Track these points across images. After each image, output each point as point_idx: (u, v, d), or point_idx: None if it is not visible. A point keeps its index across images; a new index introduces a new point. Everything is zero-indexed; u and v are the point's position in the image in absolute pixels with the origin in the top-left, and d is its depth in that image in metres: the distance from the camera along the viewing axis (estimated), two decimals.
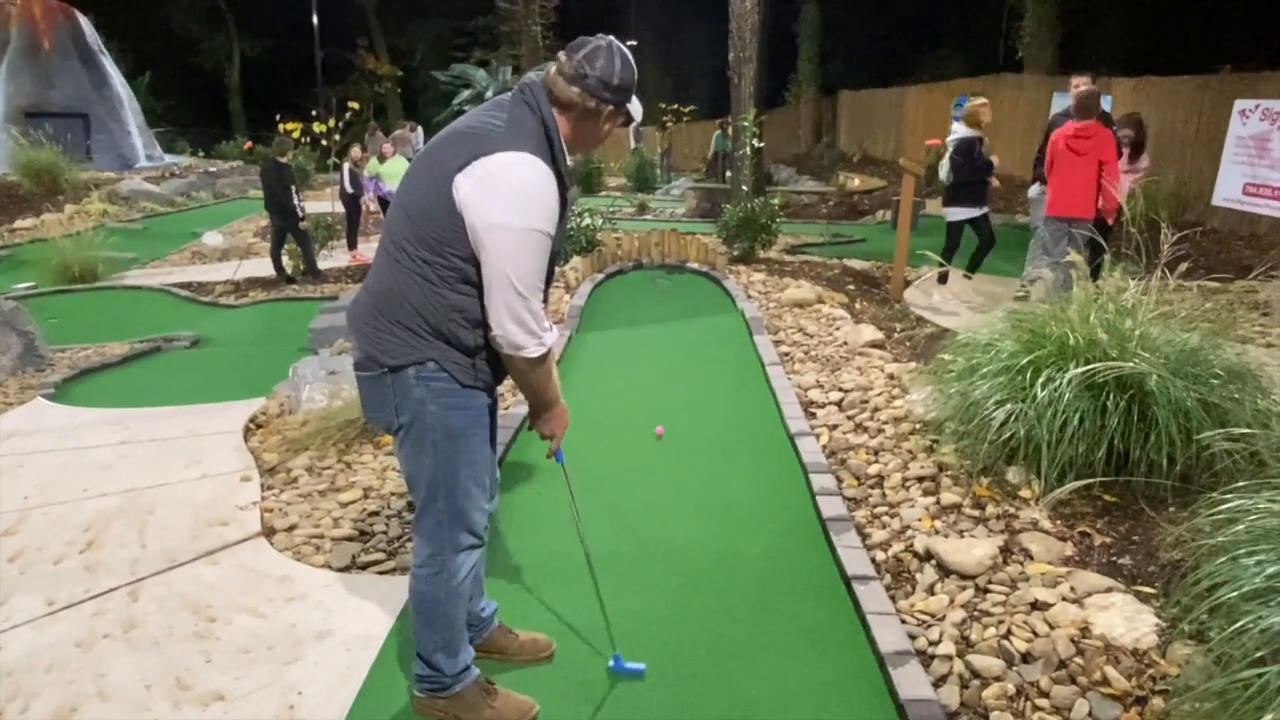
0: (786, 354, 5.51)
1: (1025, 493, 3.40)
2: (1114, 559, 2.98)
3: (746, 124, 11.40)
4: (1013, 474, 3.47)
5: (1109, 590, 2.73)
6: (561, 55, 2.06)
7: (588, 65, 2.01)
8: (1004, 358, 3.59)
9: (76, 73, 20.79)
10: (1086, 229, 5.84)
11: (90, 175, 17.67)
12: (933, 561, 3.05)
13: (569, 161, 2.11)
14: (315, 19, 27.90)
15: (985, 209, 7.37)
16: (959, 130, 7.28)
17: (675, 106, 24.70)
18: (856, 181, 18.19)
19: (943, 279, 7.62)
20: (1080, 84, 7.17)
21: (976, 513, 3.33)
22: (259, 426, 4.77)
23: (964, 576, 2.95)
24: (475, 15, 31.02)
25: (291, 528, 3.51)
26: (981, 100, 7.37)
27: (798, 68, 27.08)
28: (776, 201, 9.42)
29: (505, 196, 1.92)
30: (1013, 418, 3.38)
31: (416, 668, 2.30)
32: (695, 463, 4.11)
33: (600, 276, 8.01)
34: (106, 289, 9.83)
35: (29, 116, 19.27)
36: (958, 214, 7.35)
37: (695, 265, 8.32)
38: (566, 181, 2.08)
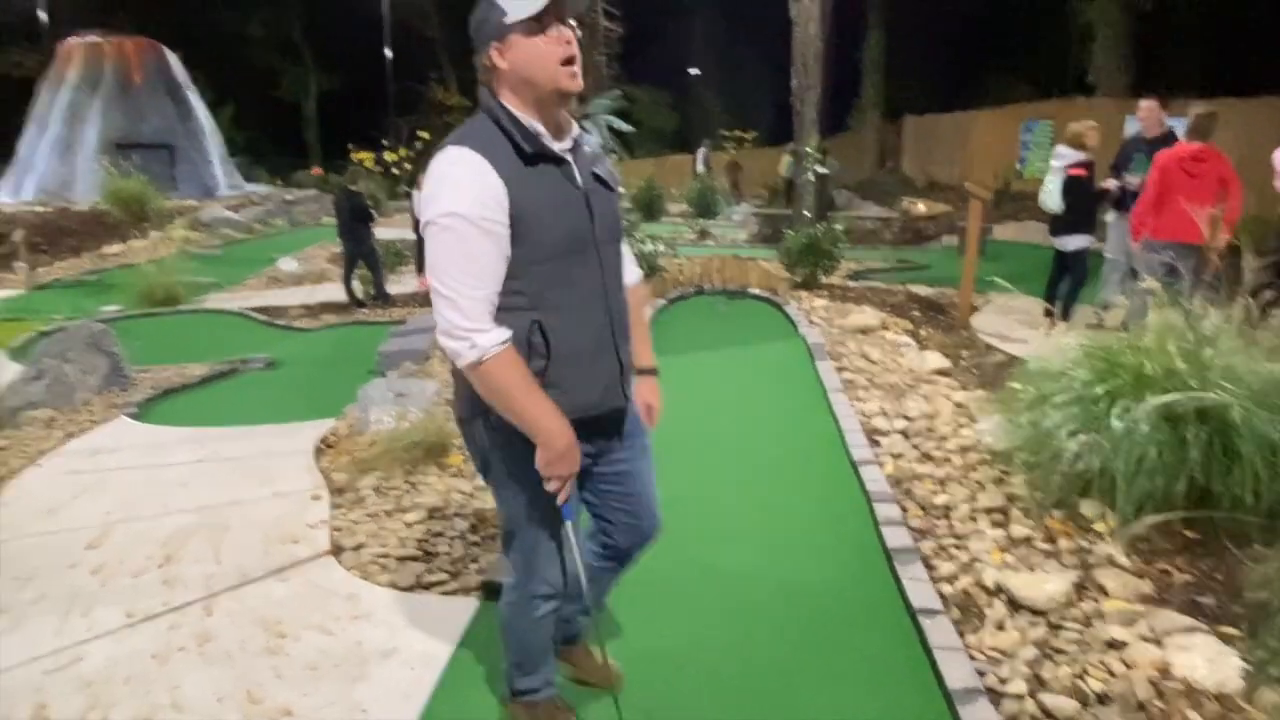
0: (849, 380, 5.43)
1: (1100, 526, 3.28)
2: (1195, 597, 2.86)
3: (810, 150, 11.36)
4: (1087, 507, 3.36)
5: (1190, 630, 2.62)
6: None
7: (472, 32, 1.86)
8: (1077, 387, 3.49)
9: (164, 106, 21.81)
10: (1195, 254, 5.56)
11: (174, 203, 18.39)
12: (1003, 596, 2.96)
13: (554, 135, 1.89)
14: (389, 53, 28.78)
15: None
16: (1066, 154, 6.80)
17: (737, 133, 24.78)
18: (921, 207, 17.96)
19: (1054, 314, 6.88)
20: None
21: (1049, 546, 3.23)
22: (329, 446, 4.87)
23: (1036, 612, 2.86)
24: None
25: (359, 546, 3.56)
26: (1090, 123, 6.93)
27: (861, 93, 26.94)
28: (840, 227, 9.35)
29: (426, 195, 1.82)
30: (1086, 449, 3.28)
31: (505, 665, 2.34)
32: (756, 489, 4.07)
33: (662, 302, 8.03)
34: (187, 312, 10.19)
35: (119, 148, 20.23)
36: (1075, 242, 6.82)
37: (757, 290, 8.29)
38: (556, 158, 1.88)
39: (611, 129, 12.15)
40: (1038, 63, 23.86)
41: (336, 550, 3.55)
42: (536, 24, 1.76)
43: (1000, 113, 19.97)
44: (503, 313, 1.84)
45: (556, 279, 1.87)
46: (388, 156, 21.97)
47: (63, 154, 20.67)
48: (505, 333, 1.82)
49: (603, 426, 2.08)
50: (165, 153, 21.37)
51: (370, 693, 2.58)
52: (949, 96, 24.34)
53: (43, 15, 29.79)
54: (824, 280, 9.01)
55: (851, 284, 9.39)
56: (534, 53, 1.78)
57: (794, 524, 3.70)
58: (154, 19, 28.40)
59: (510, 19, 1.77)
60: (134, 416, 5.75)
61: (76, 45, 21.93)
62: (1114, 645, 2.63)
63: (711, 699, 2.54)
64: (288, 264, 13.72)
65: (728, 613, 3.02)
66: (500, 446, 1.98)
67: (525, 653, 2.25)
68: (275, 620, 3.02)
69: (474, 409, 1.97)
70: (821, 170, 11.58)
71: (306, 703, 2.55)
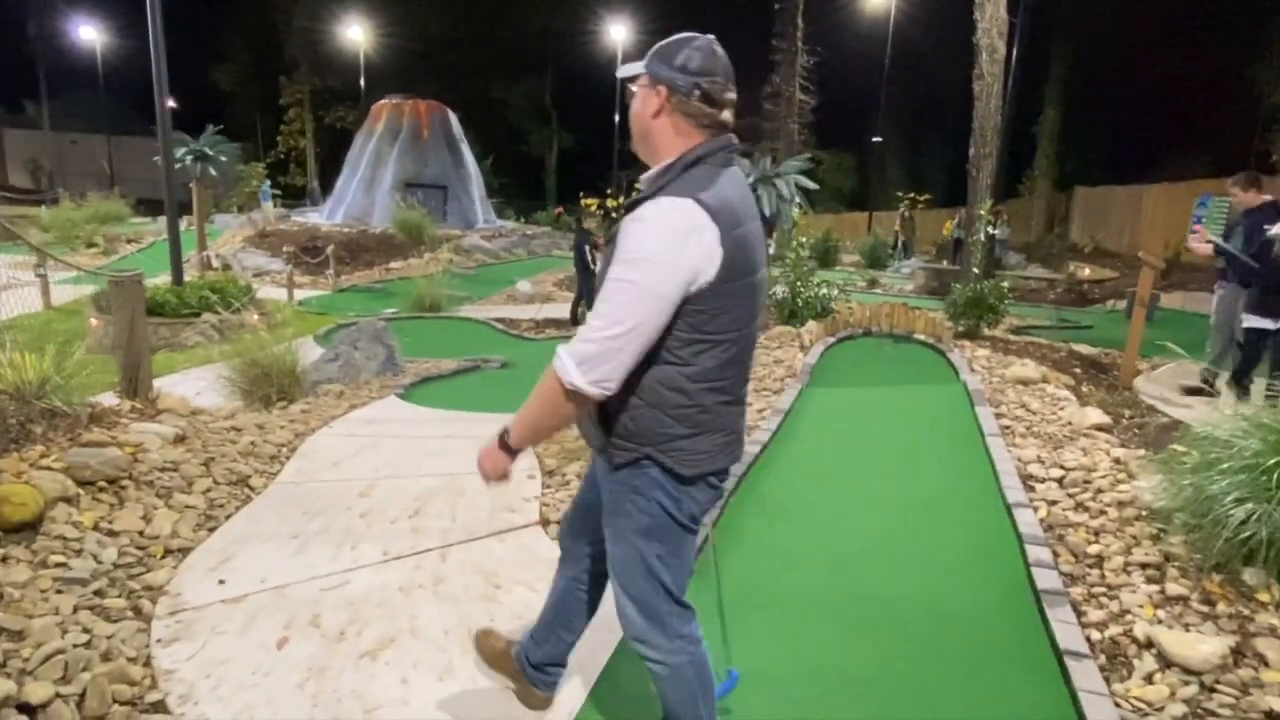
0: (1007, 427, 5.02)
1: (1263, 596, 2.83)
2: None
3: (983, 213, 10.73)
4: (1250, 575, 2.91)
5: None
6: None
7: None
8: (1247, 456, 3.04)
9: (443, 155, 23.66)
10: None
11: (443, 232, 19.85)
12: (1153, 650, 2.61)
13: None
14: (618, 117, 29.97)
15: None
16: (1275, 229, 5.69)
17: (912, 195, 23.78)
18: (1087, 271, 16.45)
19: (1243, 390, 5.72)
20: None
21: (1205, 608, 2.82)
22: None
23: (1188, 671, 2.50)
24: (743, 115, 31.88)
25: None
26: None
27: (1034, 163, 25.14)
28: (1005, 284, 8.73)
29: None
30: (1254, 517, 2.84)
31: None
32: (912, 517, 3.83)
33: (832, 340, 7.80)
34: (446, 318, 10.99)
35: (407, 186, 22.15)
36: (1250, 321, 5.67)
37: (922, 337, 7.87)
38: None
39: (799, 185, 12.00)
40: (1217, 142, 21.24)
41: (544, 522, 3.68)
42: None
43: (1175, 187, 17.97)
44: None
45: None
46: (609, 203, 22.86)
47: (367, 189, 22.88)
48: None
49: None
50: (441, 192, 23.12)
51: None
52: (1121, 170, 22.20)
53: (362, 82, 33.46)
54: (987, 332, 8.43)
55: (1014, 338, 8.70)
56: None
57: (945, 555, 3.44)
58: (442, 85, 31.10)
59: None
60: (401, 396, 6.23)
61: (384, 105, 24.25)
62: (1274, 717, 2.26)
63: (855, 712, 2.39)
64: (524, 286, 14.50)
65: (876, 631, 2.84)
66: None
67: None
68: (493, 573, 3.16)
69: None
70: (993, 231, 10.89)
71: None
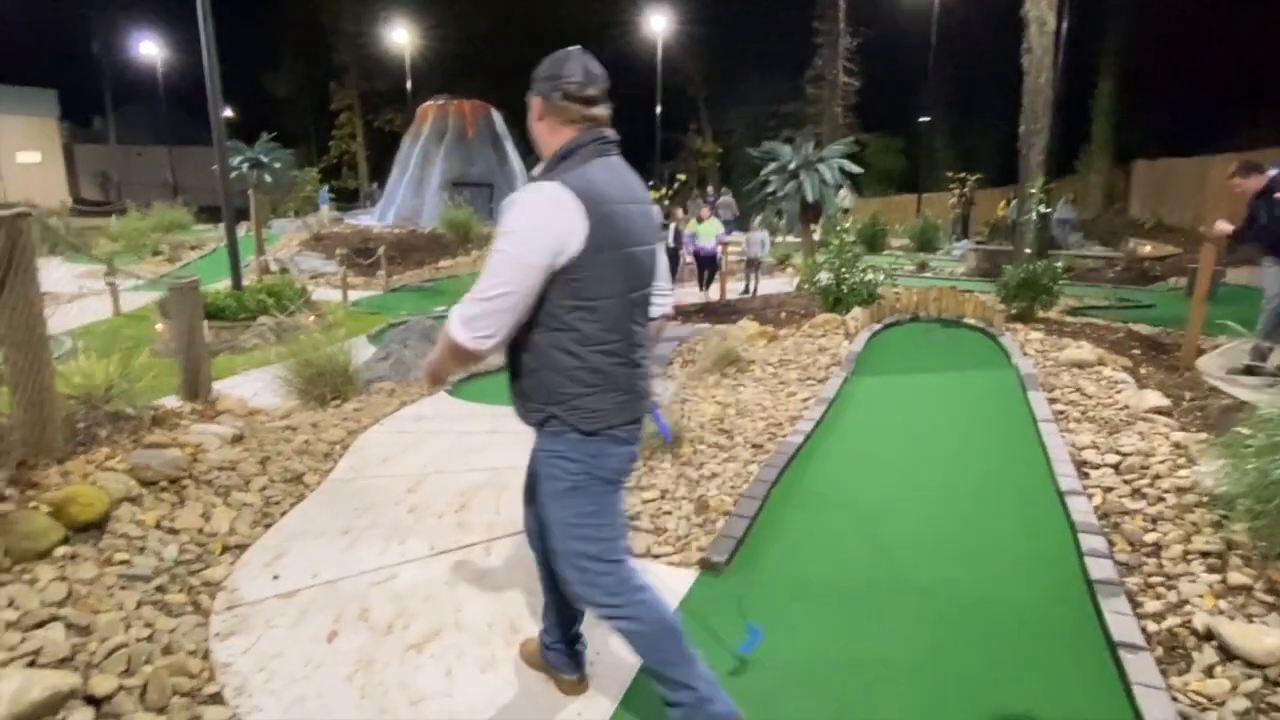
0: (1061, 412, 4.86)
1: None
2: None
3: (1034, 191, 10.39)
4: None
5: None
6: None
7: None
8: None
9: (488, 153, 23.89)
10: None
11: (489, 230, 20.09)
12: (1214, 642, 2.50)
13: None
14: (659, 108, 29.91)
15: None
16: None
17: (963, 175, 23.17)
18: (1148, 247, 15.78)
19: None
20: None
21: (1271, 599, 2.69)
22: None
23: (1251, 664, 2.38)
24: (787, 101, 31.41)
25: None
26: None
27: (1090, 138, 24.21)
28: (1060, 264, 8.44)
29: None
30: None
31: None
32: (959, 507, 3.74)
33: (878, 326, 7.66)
34: None
35: (454, 185, 22.44)
36: None
37: (971, 321, 7.67)
38: None
39: (843, 170, 11.80)
40: None
41: None
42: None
43: (1242, 158, 17.11)
44: None
45: None
46: (652, 195, 22.87)
47: (415, 190, 23.26)
48: None
49: None
50: (487, 190, 23.34)
51: (604, 638, 2.64)
52: (1184, 142, 21.18)
53: (408, 84, 34.01)
54: (1040, 314, 8.16)
55: (1069, 319, 8.42)
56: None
57: (995, 545, 3.35)
58: (485, 84, 31.36)
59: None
60: (449, 393, 6.31)
61: (430, 106, 24.58)
62: None
63: (898, 704, 2.35)
64: None
65: (923, 620, 2.79)
66: None
67: None
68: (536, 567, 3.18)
69: None
70: (1047, 209, 10.55)
71: None
